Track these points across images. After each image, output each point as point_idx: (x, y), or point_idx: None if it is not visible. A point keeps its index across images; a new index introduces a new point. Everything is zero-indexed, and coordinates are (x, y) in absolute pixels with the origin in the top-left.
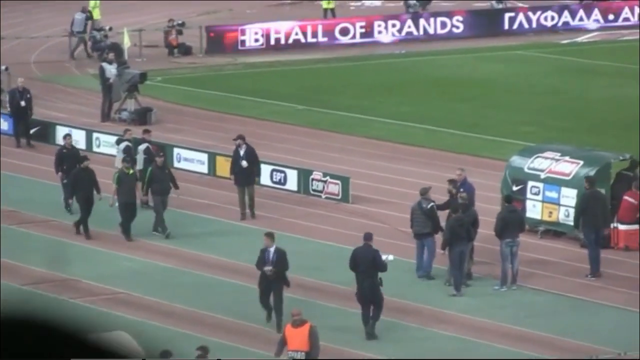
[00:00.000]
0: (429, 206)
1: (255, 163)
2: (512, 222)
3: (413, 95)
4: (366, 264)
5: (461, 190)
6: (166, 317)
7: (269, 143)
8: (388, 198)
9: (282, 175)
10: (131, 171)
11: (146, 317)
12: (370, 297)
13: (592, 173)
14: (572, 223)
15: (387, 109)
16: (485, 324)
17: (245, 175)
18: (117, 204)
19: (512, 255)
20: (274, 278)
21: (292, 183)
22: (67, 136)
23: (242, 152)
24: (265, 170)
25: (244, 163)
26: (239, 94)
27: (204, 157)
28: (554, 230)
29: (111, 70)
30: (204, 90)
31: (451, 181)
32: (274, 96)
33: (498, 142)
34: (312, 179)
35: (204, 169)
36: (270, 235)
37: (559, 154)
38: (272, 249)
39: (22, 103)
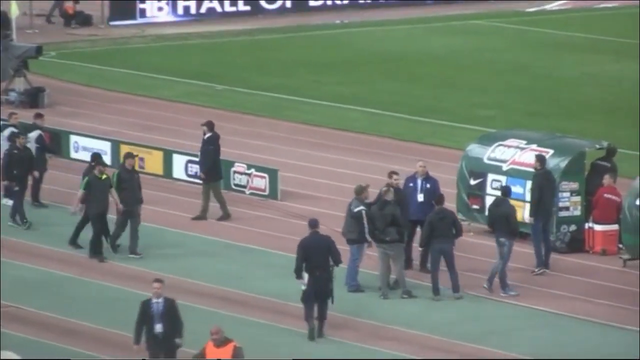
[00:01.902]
0: (356, 209)
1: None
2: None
3: (352, 74)
4: (320, 255)
5: (426, 185)
6: (64, 336)
7: (182, 129)
8: (323, 194)
9: (199, 167)
10: (104, 175)
11: (41, 335)
12: (322, 294)
13: (563, 164)
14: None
15: (322, 89)
16: (433, 342)
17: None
18: (79, 214)
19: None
20: (163, 341)
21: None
22: (19, 135)
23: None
24: (179, 161)
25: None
26: (148, 71)
27: (106, 146)
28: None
29: None
30: (107, 67)
31: (392, 174)
32: (189, 74)
33: (453, 128)
34: (234, 172)
35: (107, 160)
36: (160, 281)
37: (525, 142)
38: (160, 300)
39: None
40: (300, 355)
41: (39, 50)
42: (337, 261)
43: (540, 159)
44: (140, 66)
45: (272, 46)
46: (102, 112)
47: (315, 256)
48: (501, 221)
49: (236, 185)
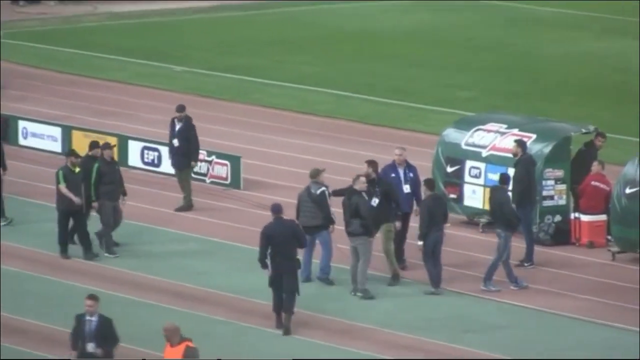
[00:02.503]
0: (318, 191)
1: (190, 142)
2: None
3: (319, 53)
4: (285, 241)
5: (410, 174)
6: (17, 335)
7: (137, 113)
8: (288, 182)
9: (156, 154)
10: (77, 168)
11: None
12: (288, 282)
13: (547, 150)
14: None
15: (286, 70)
16: (408, 341)
17: (178, 156)
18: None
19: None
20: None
21: (168, 164)
22: None
23: (177, 127)
24: (135, 148)
25: (175, 142)
26: (102, 52)
27: (56, 131)
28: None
29: None
30: (57, 47)
31: (371, 163)
32: (145, 55)
33: (427, 111)
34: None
35: (57, 146)
36: (94, 299)
37: (505, 126)
38: (94, 318)
39: None
40: (265, 355)
41: None
42: (303, 245)
43: (521, 143)
44: (93, 46)
45: (234, 24)
46: (53, 95)
47: (280, 243)
48: (496, 210)
49: (196, 173)
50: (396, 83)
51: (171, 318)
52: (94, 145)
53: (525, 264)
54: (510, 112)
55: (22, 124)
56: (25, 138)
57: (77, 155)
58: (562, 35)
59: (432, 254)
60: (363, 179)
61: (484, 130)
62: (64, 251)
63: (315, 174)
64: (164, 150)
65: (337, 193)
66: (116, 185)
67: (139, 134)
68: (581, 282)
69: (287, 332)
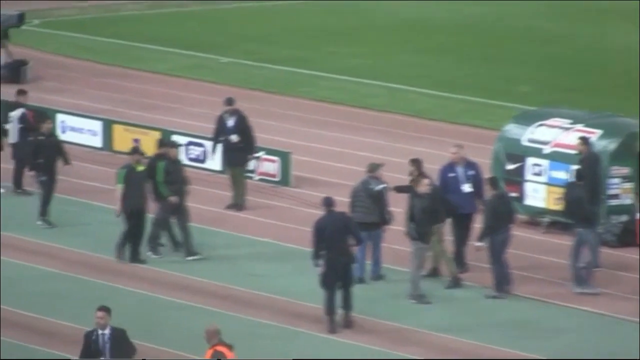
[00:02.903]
0: (378, 187)
1: (247, 137)
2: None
3: (372, 44)
4: (337, 235)
5: (470, 172)
6: (48, 338)
7: (182, 107)
8: (340, 179)
9: (202, 150)
10: (141, 167)
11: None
12: (343, 277)
13: (613, 146)
14: None
15: (338, 61)
16: (465, 346)
17: (233, 152)
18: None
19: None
20: None
21: (215, 160)
22: (47, 119)
23: (230, 123)
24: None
25: (234, 137)
26: (143, 42)
27: (97, 125)
28: (562, 223)
29: None
30: (96, 37)
31: (414, 161)
32: (190, 45)
33: (486, 106)
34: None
35: (97, 141)
36: (105, 310)
37: (569, 121)
38: (106, 332)
39: None
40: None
41: (21, 19)
42: (359, 240)
43: (586, 140)
44: (133, 36)
45: (283, 13)
46: (91, 87)
47: (333, 237)
48: (574, 208)
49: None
50: (454, 76)
51: (217, 321)
52: (162, 143)
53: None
54: (573, 106)
55: (60, 117)
56: (63, 132)
57: (141, 153)
58: (630, 25)
59: (498, 255)
60: (427, 180)
61: (547, 125)
62: (122, 255)
63: (374, 169)
64: (209, 146)
65: (400, 190)
66: (180, 185)
67: (183, 128)
68: None
69: (349, 325)
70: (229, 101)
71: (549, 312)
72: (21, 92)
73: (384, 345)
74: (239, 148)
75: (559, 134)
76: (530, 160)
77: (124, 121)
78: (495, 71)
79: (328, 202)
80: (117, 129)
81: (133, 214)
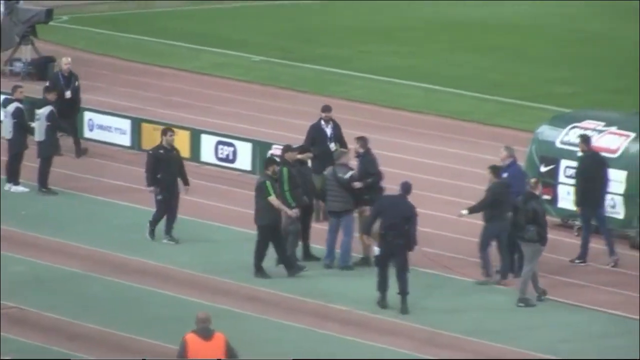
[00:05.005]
0: (346, 175)
1: (343, 146)
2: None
3: (409, 43)
4: (397, 218)
5: (503, 175)
6: (72, 340)
7: (212, 106)
8: None
9: (231, 149)
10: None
11: (46, 340)
12: (397, 261)
13: None
14: (620, 216)
15: (372, 60)
16: (497, 350)
17: (326, 161)
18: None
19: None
20: None
21: (244, 160)
22: (168, 131)
23: (329, 131)
24: (209, 142)
25: (333, 146)
26: (174, 39)
27: (125, 124)
28: (595, 226)
29: None
30: (126, 34)
31: (494, 169)
32: (221, 43)
33: (523, 107)
34: (273, 156)
35: (126, 140)
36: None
37: (603, 124)
38: None
39: (68, 93)
40: None
41: (49, 14)
42: (412, 236)
43: (585, 139)
44: (164, 33)
45: (316, 10)
46: (120, 85)
47: (392, 218)
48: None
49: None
50: (491, 77)
51: (243, 322)
52: (286, 148)
53: (577, 260)
54: (613, 109)
55: (87, 115)
56: (91, 130)
57: (278, 164)
58: None
59: (492, 244)
60: (533, 180)
61: (580, 127)
62: (260, 271)
63: (339, 156)
64: (239, 145)
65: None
66: (300, 189)
67: (213, 127)
68: None
69: (405, 311)
70: (327, 108)
71: (582, 317)
72: (48, 89)
73: (416, 349)
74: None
75: (592, 136)
76: (564, 163)
77: (153, 119)
78: (535, 72)
79: (406, 187)
80: (146, 128)
81: (271, 227)
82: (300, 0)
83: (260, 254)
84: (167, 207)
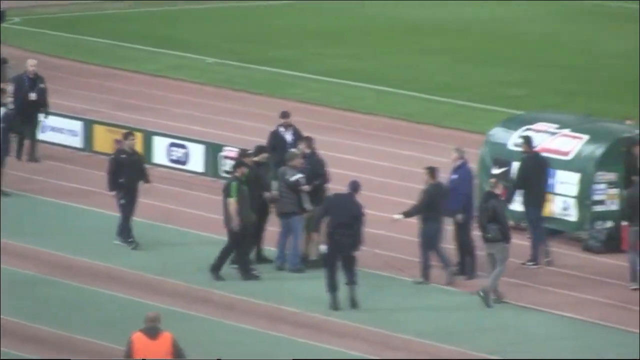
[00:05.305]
0: (293, 178)
1: None
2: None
3: (360, 45)
4: (344, 217)
5: (453, 177)
6: (25, 343)
7: (165, 108)
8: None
9: (184, 151)
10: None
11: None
12: (344, 257)
13: (599, 152)
14: (573, 218)
15: (326, 63)
16: (449, 352)
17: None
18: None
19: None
20: None
21: (196, 162)
22: (129, 136)
23: (288, 137)
24: (161, 144)
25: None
26: (128, 41)
27: (77, 125)
28: (548, 228)
29: None
30: (80, 35)
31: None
32: (175, 45)
33: (476, 109)
34: (224, 157)
35: (77, 142)
36: None
37: (556, 126)
38: None
39: (33, 95)
40: None
41: (1, 16)
42: (360, 240)
43: (527, 140)
44: (118, 35)
45: (271, 13)
46: (74, 87)
47: (340, 217)
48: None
49: (226, 172)
50: (443, 79)
51: (196, 324)
52: (242, 154)
53: (529, 263)
54: (564, 111)
55: (40, 116)
56: (43, 132)
57: (247, 166)
58: (626, 29)
59: (428, 245)
60: (492, 179)
61: (533, 130)
62: (217, 272)
63: (291, 158)
64: (192, 147)
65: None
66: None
67: (166, 129)
68: (634, 293)
69: (354, 305)
70: (285, 114)
71: (533, 319)
72: (2, 91)
73: (369, 351)
74: None
75: (545, 138)
76: (517, 165)
77: (105, 121)
78: (487, 75)
79: (353, 185)
80: (98, 130)
81: (245, 229)
82: (252, 1)
83: (225, 256)
84: (131, 210)
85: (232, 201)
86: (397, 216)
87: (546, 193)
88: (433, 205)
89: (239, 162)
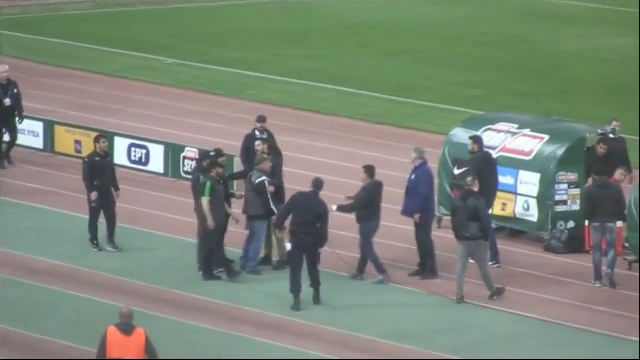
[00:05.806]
0: (258, 181)
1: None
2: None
3: (320, 46)
4: (310, 216)
5: (412, 177)
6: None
7: (126, 108)
8: (288, 183)
9: (144, 152)
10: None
11: None
12: (309, 257)
13: (560, 152)
14: (534, 219)
15: (286, 64)
16: (412, 353)
17: None
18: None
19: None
20: None
21: (156, 163)
22: (101, 138)
23: None
24: (122, 145)
25: None
26: (87, 42)
27: (38, 126)
28: (509, 229)
29: None
30: (38, 36)
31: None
32: (134, 45)
33: (435, 110)
34: (184, 158)
35: (39, 143)
36: None
37: (517, 126)
38: None
39: (7, 101)
40: None
41: None
42: (324, 232)
43: (477, 140)
44: (78, 36)
45: (231, 14)
46: (33, 88)
47: (304, 215)
48: (610, 204)
49: (187, 172)
50: (402, 80)
51: (157, 325)
52: (202, 156)
53: (490, 263)
54: (522, 111)
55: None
56: (4, 133)
57: (221, 165)
58: (581, 30)
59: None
60: (469, 178)
61: (494, 130)
62: (209, 272)
63: (260, 162)
64: (152, 148)
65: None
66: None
67: (126, 130)
68: (594, 292)
69: (317, 301)
70: (262, 119)
71: (489, 319)
72: None
73: (330, 351)
74: None
75: (506, 138)
76: None
77: (66, 122)
78: (445, 76)
79: (316, 183)
80: (59, 130)
81: (217, 227)
82: (211, 2)
83: (209, 256)
84: (105, 213)
85: (206, 200)
86: (333, 207)
87: (496, 191)
88: (370, 203)
89: (214, 162)
